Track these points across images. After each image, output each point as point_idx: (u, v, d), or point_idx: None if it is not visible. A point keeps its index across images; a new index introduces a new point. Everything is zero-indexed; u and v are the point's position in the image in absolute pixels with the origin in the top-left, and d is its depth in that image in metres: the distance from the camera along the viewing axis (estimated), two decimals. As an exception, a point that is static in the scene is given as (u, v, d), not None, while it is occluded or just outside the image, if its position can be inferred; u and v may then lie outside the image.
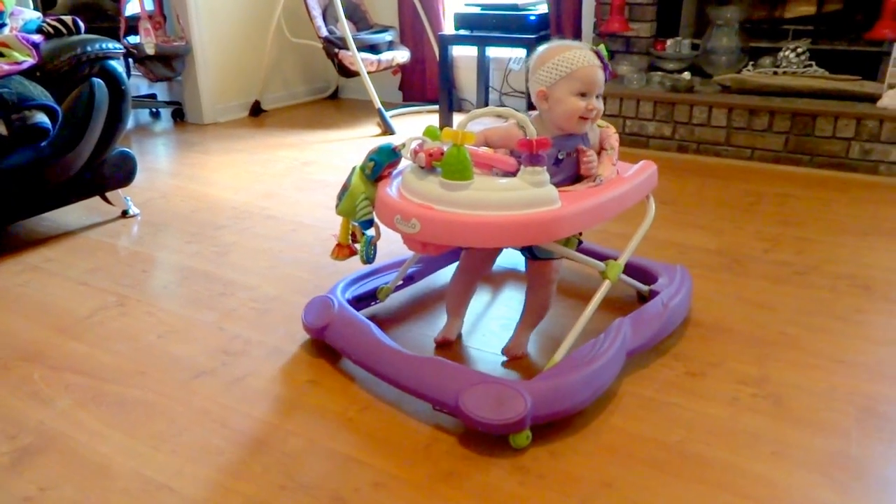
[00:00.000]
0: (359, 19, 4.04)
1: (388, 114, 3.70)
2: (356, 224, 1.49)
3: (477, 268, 1.65)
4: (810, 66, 3.05)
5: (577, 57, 1.40)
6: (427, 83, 4.22)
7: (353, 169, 1.48)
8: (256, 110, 4.08)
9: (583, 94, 1.40)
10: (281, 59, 4.26)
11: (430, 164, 1.32)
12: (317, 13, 3.76)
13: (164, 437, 1.32)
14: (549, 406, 1.27)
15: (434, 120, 3.83)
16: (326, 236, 2.24)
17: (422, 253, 1.42)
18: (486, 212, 1.25)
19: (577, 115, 1.40)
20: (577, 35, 3.60)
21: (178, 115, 3.94)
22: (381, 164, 1.43)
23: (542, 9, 3.61)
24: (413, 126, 3.80)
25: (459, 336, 1.65)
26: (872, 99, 2.83)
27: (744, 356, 1.55)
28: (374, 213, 1.43)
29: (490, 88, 4.07)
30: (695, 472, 1.20)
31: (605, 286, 1.46)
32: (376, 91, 3.71)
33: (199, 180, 2.90)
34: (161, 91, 4.45)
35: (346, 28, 3.60)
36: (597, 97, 1.42)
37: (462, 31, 3.66)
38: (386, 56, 3.81)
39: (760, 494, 1.15)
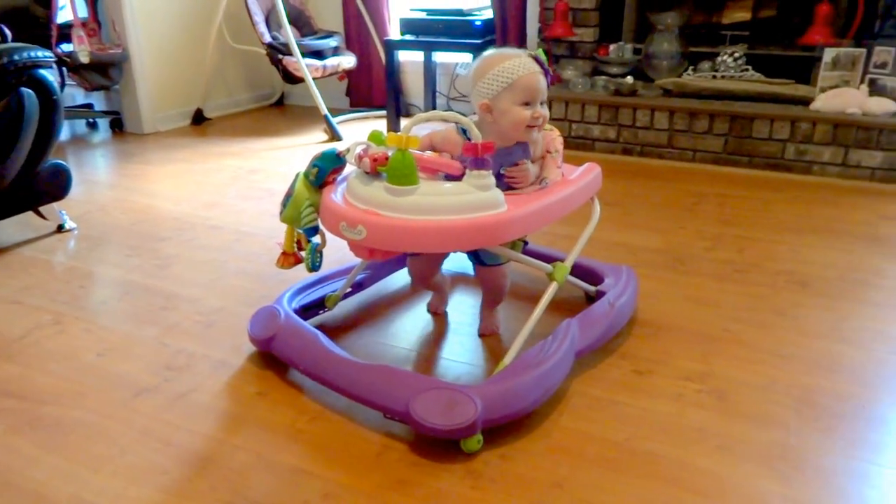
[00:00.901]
0: (303, 25, 4.00)
1: (335, 120, 3.67)
2: (301, 231, 1.47)
3: (424, 273, 1.65)
4: (747, 70, 3.15)
5: (516, 66, 1.38)
6: (374, 88, 4.20)
7: (297, 175, 1.46)
8: (199, 118, 3.99)
9: (527, 103, 1.39)
10: (223, 66, 4.19)
11: (375, 169, 1.30)
12: (259, 19, 3.71)
13: (105, 459, 1.27)
14: (499, 409, 1.27)
15: (382, 125, 3.82)
16: (272, 245, 2.21)
17: (368, 259, 1.41)
18: (432, 216, 1.25)
19: (524, 125, 1.39)
20: (522, 40, 3.63)
21: (117, 126, 3.83)
22: (325, 170, 1.42)
23: (488, 14, 3.64)
24: (361, 132, 3.77)
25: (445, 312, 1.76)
26: (806, 102, 2.94)
27: (688, 353, 1.58)
28: (318, 220, 1.41)
29: (437, 93, 4.08)
30: (643, 469, 1.22)
31: (553, 288, 1.47)
32: (323, 97, 3.68)
33: (139, 192, 2.82)
34: (98, 101, 4.31)
35: (289, 33, 3.56)
36: (541, 103, 1.41)
37: (408, 37, 3.66)
38: (331, 62, 3.78)
39: (707, 488, 1.17)
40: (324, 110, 3.63)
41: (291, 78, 3.69)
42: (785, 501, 1.14)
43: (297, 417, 1.37)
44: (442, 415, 1.23)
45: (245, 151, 3.39)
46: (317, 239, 1.46)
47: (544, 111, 1.41)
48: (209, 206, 2.60)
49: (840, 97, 2.83)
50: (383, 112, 3.87)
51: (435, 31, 3.57)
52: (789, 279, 1.95)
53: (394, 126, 3.72)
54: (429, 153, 1.41)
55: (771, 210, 2.51)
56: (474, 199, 1.26)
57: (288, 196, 1.45)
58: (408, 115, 4.14)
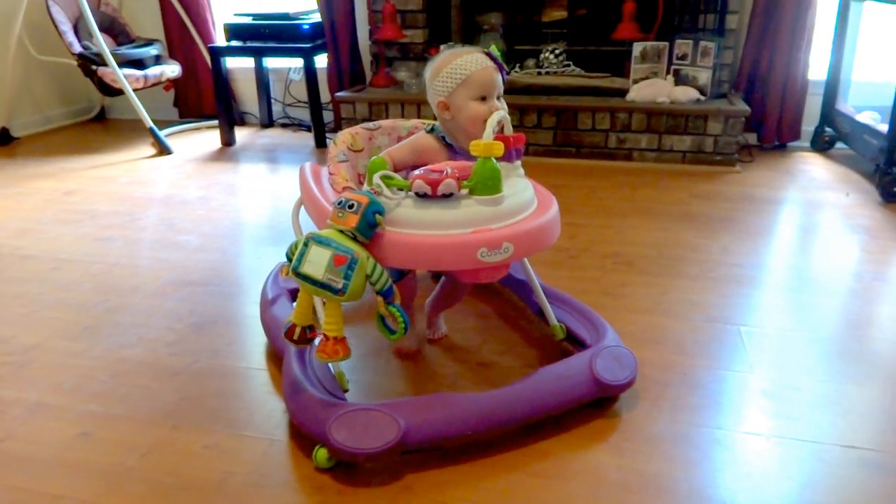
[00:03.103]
0: (118, 33, 3.73)
1: (163, 132, 3.46)
2: (380, 298, 1.20)
3: (449, 300, 1.62)
4: (568, 65, 3.33)
5: (469, 62, 1.36)
6: (203, 97, 4.01)
7: (307, 242, 1.17)
8: (5, 138, 3.62)
9: (483, 98, 1.37)
10: (29, 80, 3.82)
11: (460, 186, 1.19)
12: (66, 28, 3.42)
13: None
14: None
15: (215, 136, 3.65)
16: (96, 271, 2.05)
17: (485, 281, 1.32)
18: (529, 212, 1.28)
19: (482, 119, 1.34)
20: (353, 43, 3.62)
21: None
22: (371, 218, 1.17)
23: (316, 17, 3.58)
24: (193, 143, 3.59)
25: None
26: (622, 93, 3.15)
27: (526, 342, 1.64)
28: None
29: (273, 100, 3.97)
30: (489, 454, 1.24)
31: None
32: (149, 108, 3.47)
33: (-67, 223, 2.50)
34: None
35: (101, 42, 3.31)
36: (498, 98, 1.40)
37: (235, 43, 3.53)
38: (153, 71, 3.56)
39: (547, 469, 1.22)
40: (149, 123, 3.42)
41: (110, 90, 3.44)
42: (620, 472, 1.21)
43: (128, 455, 1.27)
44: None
45: (60, 172, 3.12)
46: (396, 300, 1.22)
47: (502, 105, 1.39)
48: (19, 234, 2.36)
49: (650, 87, 3.07)
50: (215, 122, 3.70)
51: (262, 37, 3.47)
52: (616, 260, 2.07)
53: (227, 136, 3.56)
54: (417, 171, 1.27)
55: (598, 197, 2.66)
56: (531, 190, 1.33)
57: (343, 266, 1.15)
58: (243, 123, 3.99)
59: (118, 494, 1.18)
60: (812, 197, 2.66)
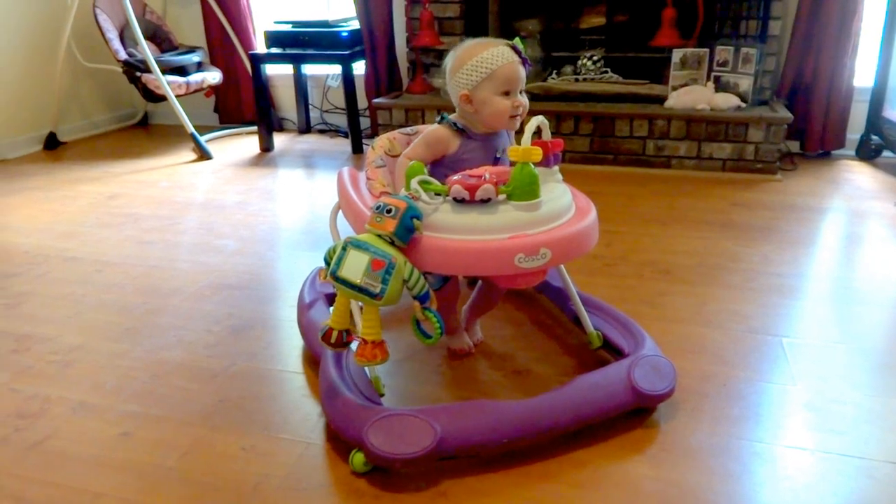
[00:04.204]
0: (162, 40, 3.82)
1: (203, 138, 3.53)
2: (417, 302, 1.20)
3: (483, 308, 1.64)
4: (606, 72, 3.30)
5: (496, 55, 1.34)
6: (243, 104, 4.08)
7: (345, 247, 1.18)
8: (52, 143, 3.72)
9: (507, 93, 1.36)
10: (77, 86, 3.93)
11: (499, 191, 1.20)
12: (112, 35, 3.51)
13: (-57, 524, 1.14)
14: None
15: (254, 141, 3.71)
16: (137, 274, 2.09)
17: (522, 287, 1.33)
18: (568, 217, 1.28)
19: (507, 115, 1.36)
20: (391, 50, 3.64)
21: (-42, 154, 3.51)
22: (409, 223, 1.18)
23: (355, 24, 3.62)
24: (233, 149, 3.65)
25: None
26: (661, 100, 3.11)
27: (562, 349, 1.62)
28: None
29: (311, 106, 4.01)
30: (525, 463, 1.23)
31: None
32: (190, 114, 3.54)
33: (-16, 225, 2.59)
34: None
35: (146, 50, 3.38)
36: (521, 92, 1.39)
37: (274, 50, 3.58)
38: (195, 78, 3.63)
39: (582, 479, 1.20)
40: (190, 129, 3.48)
41: (153, 96, 3.52)
42: (657, 483, 1.19)
43: (167, 455, 1.29)
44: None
45: (104, 176, 3.19)
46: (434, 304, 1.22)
47: (524, 100, 1.39)
48: (65, 237, 2.42)
49: (690, 94, 3.02)
50: (254, 128, 3.76)
51: (302, 44, 3.52)
52: (654, 269, 2.05)
53: (266, 142, 3.61)
54: (455, 177, 1.27)
55: (635, 204, 2.63)
56: (570, 196, 1.33)
57: (381, 270, 1.15)
58: (281, 129, 4.05)
59: (157, 494, 1.19)
60: (857, 206, 2.59)
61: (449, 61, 1.42)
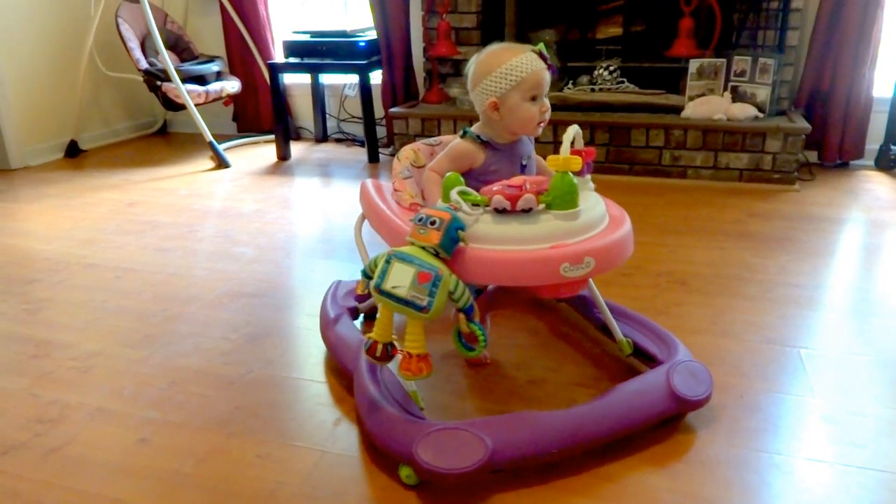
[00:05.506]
0: (182, 50, 3.87)
1: (222, 146, 3.56)
2: (462, 315, 1.20)
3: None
4: (622, 82, 3.30)
5: (524, 63, 1.34)
6: (261, 113, 4.11)
7: (389, 260, 1.18)
8: (73, 150, 3.78)
9: (534, 98, 1.36)
10: (98, 95, 3.99)
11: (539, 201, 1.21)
12: (134, 45, 3.56)
13: (-36, 526, 1.16)
14: None
15: (271, 150, 3.74)
16: (156, 281, 2.11)
17: (565, 296, 1.34)
18: (603, 226, 1.28)
19: (535, 122, 1.37)
20: (408, 60, 3.66)
21: (-19, 162, 3.57)
22: (454, 235, 1.18)
23: (372, 35, 3.64)
24: (250, 158, 3.68)
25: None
26: (677, 110, 3.10)
27: (579, 358, 1.62)
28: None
29: (328, 115, 4.04)
30: (544, 477, 1.23)
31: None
32: (209, 123, 3.58)
33: (5, 232, 2.62)
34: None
35: (167, 59, 3.43)
36: (545, 97, 1.39)
37: (292, 59, 3.61)
38: (214, 87, 3.67)
39: (601, 491, 1.20)
40: (208, 137, 3.52)
41: (173, 105, 3.56)
42: (674, 495, 1.18)
43: (184, 461, 1.30)
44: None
45: (124, 183, 3.23)
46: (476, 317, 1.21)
47: (548, 104, 1.39)
48: (85, 243, 2.45)
49: (707, 104, 3.01)
50: (272, 137, 3.79)
51: (319, 53, 3.55)
52: (670, 279, 2.04)
53: (283, 151, 3.64)
54: (495, 187, 1.27)
55: (651, 214, 2.62)
56: (603, 205, 1.33)
57: (428, 283, 1.14)
58: (298, 138, 4.08)
59: (174, 500, 1.20)
60: (876, 217, 2.56)
61: (472, 68, 1.41)
